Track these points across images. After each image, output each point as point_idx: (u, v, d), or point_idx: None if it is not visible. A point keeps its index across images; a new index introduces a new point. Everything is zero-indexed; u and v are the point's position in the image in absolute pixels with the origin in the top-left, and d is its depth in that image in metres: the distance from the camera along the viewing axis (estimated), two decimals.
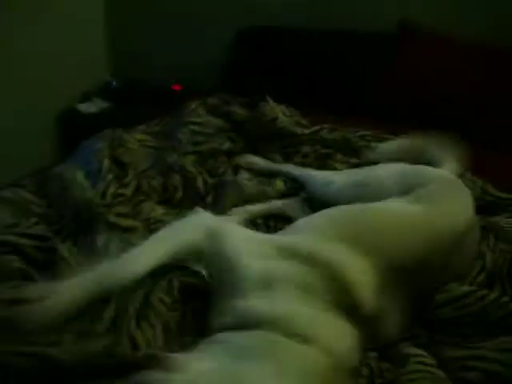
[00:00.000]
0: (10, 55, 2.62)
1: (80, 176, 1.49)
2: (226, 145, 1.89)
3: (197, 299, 1.08)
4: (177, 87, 3.08)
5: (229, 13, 2.89)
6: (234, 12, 2.86)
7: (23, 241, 1.17)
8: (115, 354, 0.87)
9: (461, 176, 1.54)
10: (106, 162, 1.59)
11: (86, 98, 3.04)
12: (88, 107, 2.95)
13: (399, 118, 2.19)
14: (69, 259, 1.14)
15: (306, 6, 2.71)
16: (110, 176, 1.55)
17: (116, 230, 1.33)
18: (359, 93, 2.42)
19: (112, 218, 1.37)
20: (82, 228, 1.32)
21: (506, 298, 1.05)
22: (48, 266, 1.14)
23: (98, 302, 0.98)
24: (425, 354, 0.99)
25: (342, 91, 2.45)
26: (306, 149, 1.90)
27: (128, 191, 1.53)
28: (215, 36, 2.93)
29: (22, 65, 2.70)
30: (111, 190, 1.49)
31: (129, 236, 1.30)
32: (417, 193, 1.24)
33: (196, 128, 1.92)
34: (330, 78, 2.49)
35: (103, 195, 1.47)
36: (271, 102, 2.04)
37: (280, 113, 2.01)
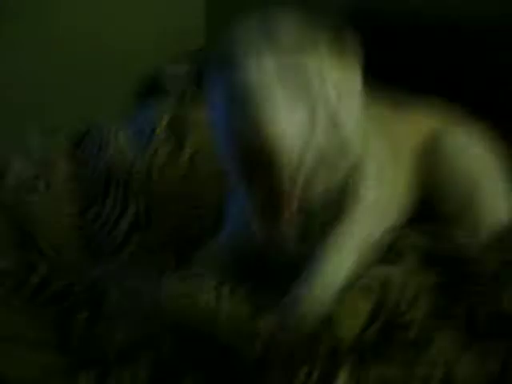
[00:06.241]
0: (109, 14, 2.55)
1: (122, 136, 1.28)
2: None
3: None
4: None
5: None
6: None
7: None
8: None
9: None
10: (161, 131, 1.38)
11: (174, 60, 2.92)
12: (175, 70, 2.83)
13: None
14: None
15: None
16: (163, 150, 1.33)
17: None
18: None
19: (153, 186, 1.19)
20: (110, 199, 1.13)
21: None
22: None
23: None
24: None
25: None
26: None
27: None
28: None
29: (118, 22, 2.62)
30: (158, 162, 1.28)
31: None
32: None
33: None
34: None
35: (149, 168, 1.26)
36: None
37: None
